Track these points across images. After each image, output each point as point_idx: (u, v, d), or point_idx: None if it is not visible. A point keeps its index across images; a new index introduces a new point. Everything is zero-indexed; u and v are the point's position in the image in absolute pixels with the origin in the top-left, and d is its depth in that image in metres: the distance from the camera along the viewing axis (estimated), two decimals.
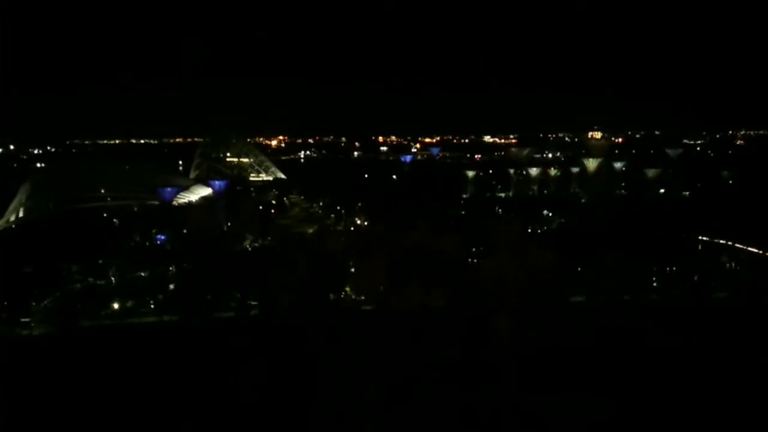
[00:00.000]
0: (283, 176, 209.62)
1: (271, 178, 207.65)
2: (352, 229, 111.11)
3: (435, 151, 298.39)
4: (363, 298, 72.16)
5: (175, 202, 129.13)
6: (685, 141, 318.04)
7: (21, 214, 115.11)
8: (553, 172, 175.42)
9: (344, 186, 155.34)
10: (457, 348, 54.64)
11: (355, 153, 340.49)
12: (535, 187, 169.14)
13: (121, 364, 54.75)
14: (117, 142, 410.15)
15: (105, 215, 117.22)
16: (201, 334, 62.64)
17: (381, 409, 44.30)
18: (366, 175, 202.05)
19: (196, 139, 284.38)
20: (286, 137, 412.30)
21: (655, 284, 78.41)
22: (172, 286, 77.49)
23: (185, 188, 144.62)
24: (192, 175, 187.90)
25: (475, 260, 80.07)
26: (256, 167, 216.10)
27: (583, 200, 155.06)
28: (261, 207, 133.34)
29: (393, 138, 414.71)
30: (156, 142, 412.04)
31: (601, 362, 53.56)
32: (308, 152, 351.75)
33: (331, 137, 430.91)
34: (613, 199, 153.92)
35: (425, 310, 61.69)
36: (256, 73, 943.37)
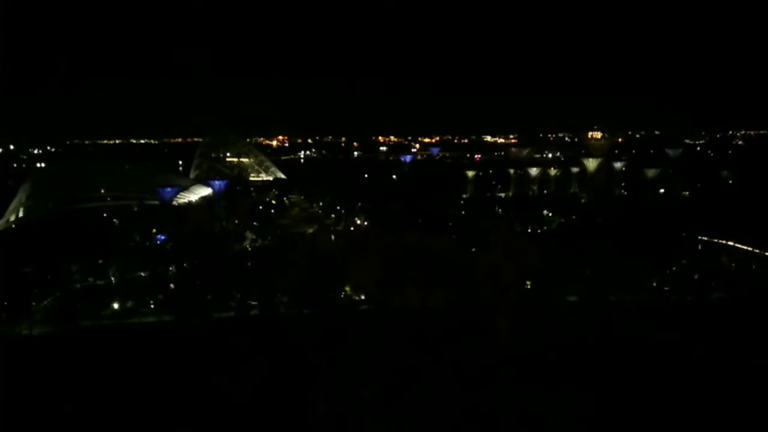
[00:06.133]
0: (283, 176, 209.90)
1: (271, 178, 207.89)
2: (352, 229, 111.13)
3: (435, 151, 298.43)
4: (363, 298, 72.17)
5: (175, 202, 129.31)
6: (686, 141, 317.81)
7: (21, 214, 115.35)
8: (553, 172, 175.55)
9: (344, 186, 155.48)
10: (456, 348, 54.63)
11: (355, 153, 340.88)
12: (535, 187, 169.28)
13: (121, 364, 54.77)
14: (117, 142, 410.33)
15: (105, 215, 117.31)
16: (201, 334, 62.63)
17: (380, 409, 44.30)
18: (366, 175, 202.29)
19: (196, 139, 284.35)
20: (286, 137, 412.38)
21: (655, 284, 78.40)
22: (172, 286, 77.53)
23: (185, 188, 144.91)
24: (192, 175, 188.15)
25: (474, 260, 79.99)
26: (256, 167, 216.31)
27: (583, 200, 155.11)
28: (261, 207, 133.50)
29: (393, 138, 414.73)
30: (156, 142, 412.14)
31: (600, 362, 53.58)
32: (308, 152, 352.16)
33: (331, 137, 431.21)
34: (613, 199, 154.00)
35: (424, 310, 61.71)
36: (256, 73, 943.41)
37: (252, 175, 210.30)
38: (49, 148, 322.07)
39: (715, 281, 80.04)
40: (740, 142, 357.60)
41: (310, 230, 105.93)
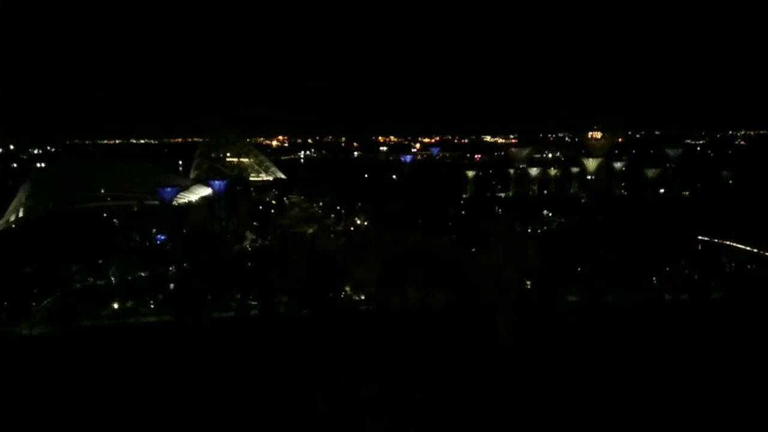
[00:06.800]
0: (283, 176, 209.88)
1: (271, 178, 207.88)
2: (352, 229, 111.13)
3: (435, 151, 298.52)
4: (362, 297, 72.15)
5: (175, 202, 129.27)
6: (686, 141, 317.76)
7: (21, 214, 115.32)
8: (553, 172, 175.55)
9: (344, 186, 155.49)
10: (456, 348, 54.60)
11: (355, 153, 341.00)
12: (535, 187, 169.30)
13: (120, 364, 54.76)
14: (117, 142, 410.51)
15: (105, 215, 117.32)
16: (201, 334, 62.60)
17: (380, 409, 44.30)
18: (366, 175, 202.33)
19: (196, 139, 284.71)
20: (286, 137, 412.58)
21: (654, 284, 78.38)
22: (172, 286, 77.50)
23: (185, 188, 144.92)
24: (192, 175, 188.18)
25: (474, 260, 79.96)
26: (256, 167, 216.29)
27: (583, 200, 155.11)
28: (261, 207, 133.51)
29: (393, 138, 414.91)
30: (156, 142, 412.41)
31: (600, 362, 53.57)
32: (308, 152, 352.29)
33: (331, 137, 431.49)
34: (613, 199, 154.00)
35: (424, 310, 61.71)
36: (256, 73, 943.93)
37: (252, 175, 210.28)
38: (49, 148, 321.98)
39: (715, 281, 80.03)
40: (741, 142, 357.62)
41: (310, 230, 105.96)
